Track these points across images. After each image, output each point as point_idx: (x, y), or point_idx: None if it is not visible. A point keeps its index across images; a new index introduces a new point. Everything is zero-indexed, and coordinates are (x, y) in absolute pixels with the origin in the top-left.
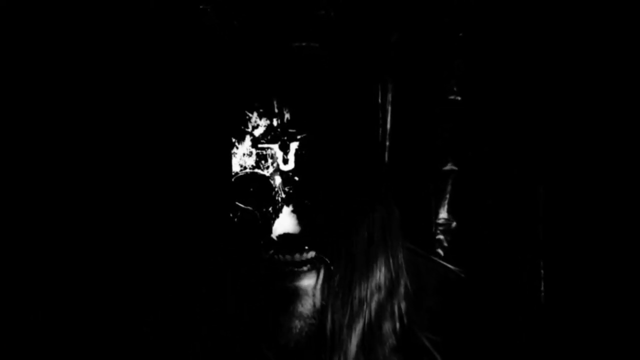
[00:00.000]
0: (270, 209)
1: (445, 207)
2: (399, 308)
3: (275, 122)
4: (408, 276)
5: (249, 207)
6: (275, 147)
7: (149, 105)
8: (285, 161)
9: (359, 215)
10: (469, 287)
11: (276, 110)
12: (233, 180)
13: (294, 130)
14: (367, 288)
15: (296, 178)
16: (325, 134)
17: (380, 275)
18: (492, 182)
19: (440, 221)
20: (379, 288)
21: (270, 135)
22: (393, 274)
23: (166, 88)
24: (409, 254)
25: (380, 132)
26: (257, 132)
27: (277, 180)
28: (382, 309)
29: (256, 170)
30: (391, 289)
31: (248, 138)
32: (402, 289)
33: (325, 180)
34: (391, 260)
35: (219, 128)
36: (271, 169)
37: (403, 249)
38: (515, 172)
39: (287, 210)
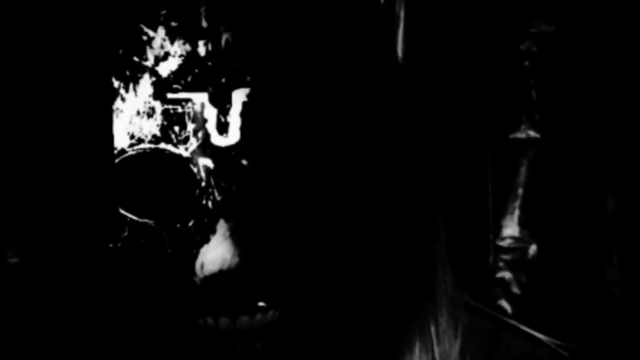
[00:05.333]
0: (191, 223)
1: (515, 214)
2: None
3: (202, 49)
4: None
5: (146, 220)
6: (201, 100)
7: None
8: (222, 128)
9: (366, 237)
10: None
11: (204, 25)
12: (116, 164)
13: (240, 66)
14: None
15: (244, 162)
16: (300, 73)
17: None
18: (612, 170)
19: (506, 243)
20: None
21: (193, 74)
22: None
23: None
24: (465, 314)
25: (385, 72)
26: (165, 69)
27: (205, 165)
28: None
29: (162, 145)
30: None
31: (146, 79)
32: None
33: (298, 167)
34: (433, 329)
35: (87, 59)
36: (193, 144)
37: (455, 304)
38: None
39: (224, 228)
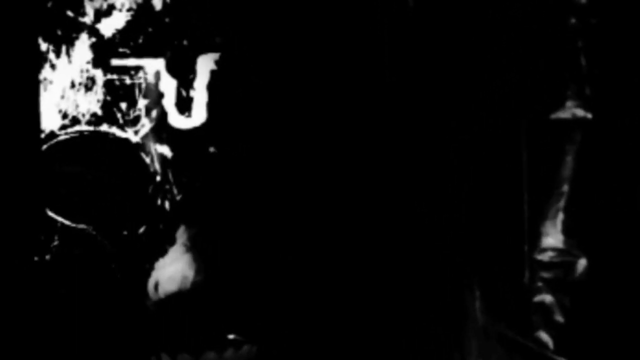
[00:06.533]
0: (141, 230)
1: (558, 218)
2: None
3: (157, 1)
4: None
5: (83, 226)
6: (156, 68)
7: None
8: (184, 104)
9: (371, 247)
10: None
11: None
12: (43, 151)
13: (206, 24)
14: None
15: (212, 149)
16: (284, 33)
17: None
18: None
19: (546, 256)
20: None
21: (145, 34)
22: None
23: None
24: (500, 348)
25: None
26: (109, 27)
27: (161, 153)
28: None
29: (105, 126)
30: None
31: (84, 41)
32: None
33: (282, 158)
34: None
35: (5, 14)
36: (146, 125)
37: (487, 336)
38: None
39: (185, 236)
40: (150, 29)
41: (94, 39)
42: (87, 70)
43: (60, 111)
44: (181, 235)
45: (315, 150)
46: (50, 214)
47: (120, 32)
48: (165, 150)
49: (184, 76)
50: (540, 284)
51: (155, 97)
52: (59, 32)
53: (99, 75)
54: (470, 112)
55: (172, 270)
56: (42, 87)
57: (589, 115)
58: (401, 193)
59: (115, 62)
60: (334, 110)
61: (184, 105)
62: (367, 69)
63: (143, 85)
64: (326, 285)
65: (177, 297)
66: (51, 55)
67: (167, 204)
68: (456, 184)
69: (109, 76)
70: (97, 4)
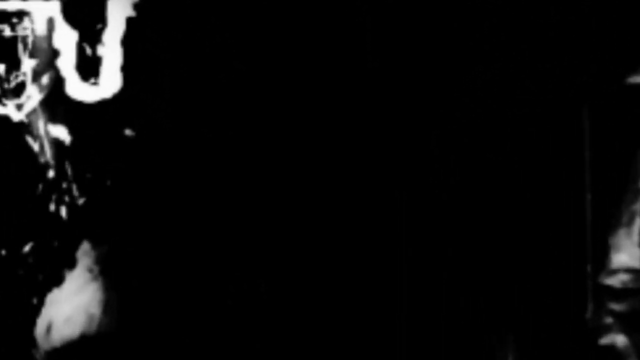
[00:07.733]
0: (27, 249)
1: (635, 226)
2: None
3: None
4: None
5: None
6: (47, 13)
7: None
8: (89, 67)
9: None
10: None
11: None
12: None
13: None
14: None
15: (128, 132)
16: None
17: None
18: None
19: (617, 280)
20: None
21: None
22: None
23: None
24: None
25: None
26: None
27: (56, 137)
28: None
29: None
30: None
31: None
32: None
33: (230, 144)
34: None
35: None
36: (33, 97)
37: None
38: None
39: (90, 258)
40: None
41: None
42: None
43: None
44: (84, 255)
45: (272, 136)
46: None
47: None
48: (61, 132)
49: (89, 26)
50: (609, 319)
51: (47, 56)
52: None
53: None
54: (465, 101)
55: (72, 306)
56: None
57: None
58: (381, 187)
59: None
60: (296, 89)
61: (89, 68)
62: (343, 49)
63: (29, 39)
64: (291, 331)
65: (79, 345)
66: None
67: (64, 211)
68: (439, 176)
69: None
70: None
